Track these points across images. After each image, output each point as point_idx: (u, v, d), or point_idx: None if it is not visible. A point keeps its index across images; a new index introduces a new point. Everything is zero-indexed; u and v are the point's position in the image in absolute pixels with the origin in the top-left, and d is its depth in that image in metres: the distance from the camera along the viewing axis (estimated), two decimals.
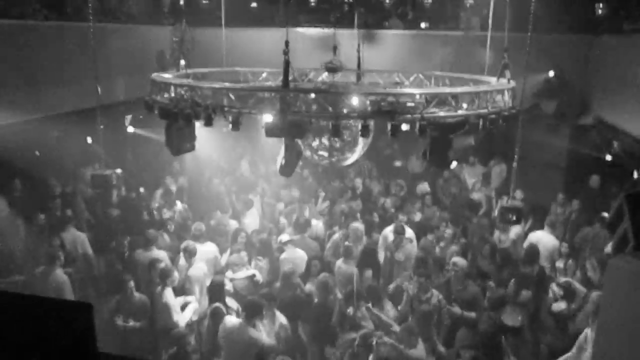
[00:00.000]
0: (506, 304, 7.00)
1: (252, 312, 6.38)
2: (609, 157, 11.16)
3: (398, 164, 13.36)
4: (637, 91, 9.51)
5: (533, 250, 8.10)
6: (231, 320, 6.54)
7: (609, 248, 7.66)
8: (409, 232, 8.85)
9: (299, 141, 7.36)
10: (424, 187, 11.56)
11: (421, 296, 7.11)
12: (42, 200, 9.31)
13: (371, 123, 6.74)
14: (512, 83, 7.33)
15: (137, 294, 7.10)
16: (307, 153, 7.89)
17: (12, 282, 7.21)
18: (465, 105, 6.83)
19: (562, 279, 7.58)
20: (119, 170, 8.34)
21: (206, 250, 8.19)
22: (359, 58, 9.19)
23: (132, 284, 7.07)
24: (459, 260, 7.65)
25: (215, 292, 7.31)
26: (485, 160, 12.43)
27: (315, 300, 7.29)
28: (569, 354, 6.49)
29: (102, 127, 11.24)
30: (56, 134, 10.46)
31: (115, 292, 7.24)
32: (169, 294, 6.97)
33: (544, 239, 8.77)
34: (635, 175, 9.30)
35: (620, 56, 10.79)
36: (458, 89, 7.09)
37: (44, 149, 10.20)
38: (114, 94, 11.37)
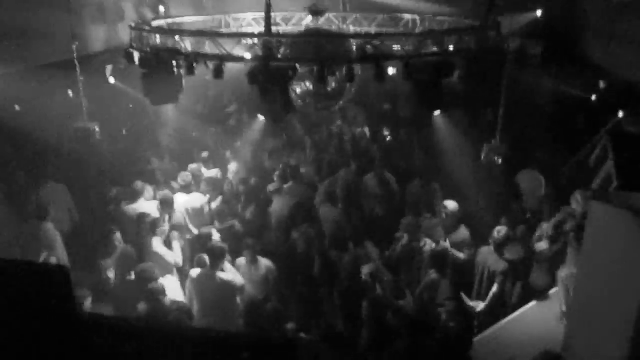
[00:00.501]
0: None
1: (214, 256, 6.32)
2: (594, 97, 11.15)
3: (387, 106, 13.20)
4: (622, 31, 9.42)
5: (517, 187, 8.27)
6: (195, 271, 6.50)
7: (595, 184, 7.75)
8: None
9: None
10: None
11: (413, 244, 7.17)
12: (23, 156, 9.16)
13: (357, 68, 6.65)
14: (498, 21, 7.20)
15: (123, 246, 7.06)
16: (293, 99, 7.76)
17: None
18: (452, 47, 6.74)
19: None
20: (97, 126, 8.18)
21: (192, 200, 8.16)
22: (343, 2, 8.99)
23: (118, 235, 7.02)
24: (450, 204, 7.71)
25: (203, 244, 7.28)
26: (473, 105, 12.33)
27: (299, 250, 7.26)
28: (553, 291, 6.68)
29: (82, 79, 11.06)
30: (35, 87, 10.19)
31: (102, 245, 7.19)
32: (158, 244, 6.96)
33: (527, 176, 8.91)
34: (620, 114, 9.30)
35: None
36: (441, 29, 6.97)
37: (23, 103, 9.98)
38: (93, 44, 11.05)
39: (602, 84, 10.89)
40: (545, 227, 7.31)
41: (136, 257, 6.84)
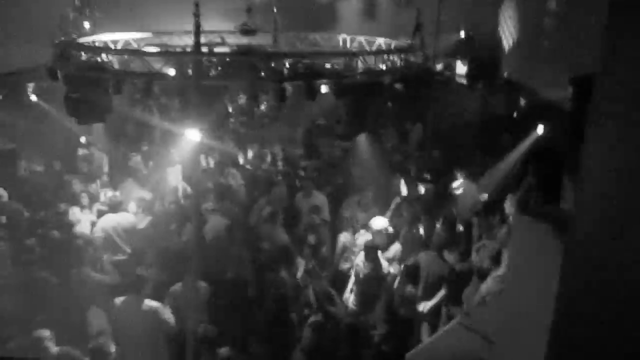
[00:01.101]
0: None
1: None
2: (515, 115, 11.71)
3: (321, 122, 13.29)
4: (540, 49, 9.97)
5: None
6: (119, 298, 6.08)
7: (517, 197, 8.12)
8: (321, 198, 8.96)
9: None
10: None
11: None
12: None
13: (288, 86, 6.68)
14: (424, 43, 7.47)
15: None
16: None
17: None
18: (382, 67, 6.92)
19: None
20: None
21: (122, 219, 7.90)
22: (275, 20, 9.02)
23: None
24: (376, 222, 7.84)
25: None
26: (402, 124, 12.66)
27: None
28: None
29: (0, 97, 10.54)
30: None
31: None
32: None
33: (466, 188, 9.24)
34: (540, 130, 9.81)
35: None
36: (370, 49, 7.15)
37: None
38: (11, 61, 10.53)
39: (522, 102, 11.46)
40: (488, 244, 7.52)
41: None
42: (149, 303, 5.93)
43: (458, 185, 9.34)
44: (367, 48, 8.41)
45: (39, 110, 10.91)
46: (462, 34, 12.34)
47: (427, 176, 7.73)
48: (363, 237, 7.85)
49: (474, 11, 12.14)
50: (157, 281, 6.65)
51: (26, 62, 10.77)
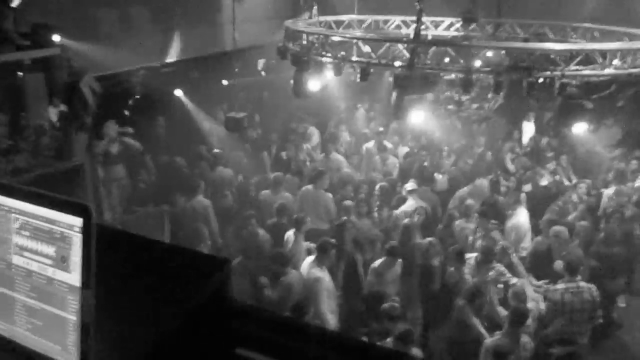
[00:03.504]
0: None
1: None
2: None
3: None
4: None
5: None
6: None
7: None
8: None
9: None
10: None
11: None
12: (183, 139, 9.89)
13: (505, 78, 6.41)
14: None
15: (260, 231, 7.16)
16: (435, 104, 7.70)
17: (159, 211, 7.80)
18: (615, 62, 6.24)
19: None
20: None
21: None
22: (498, 6, 8.68)
23: (254, 221, 7.28)
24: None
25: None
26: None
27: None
28: None
29: (236, 70, 11.85)
30: (196, 76, 11.08)
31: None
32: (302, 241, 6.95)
33: None
34: None
35: None
36: (606, 45, 6.47)
37: (184, 91, 10.87)
38: (249, 38, 11.77)
39: None
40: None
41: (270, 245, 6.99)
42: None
43: None
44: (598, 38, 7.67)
45: (268, 83, 12.06)
46: None
47: None
48: None
49: None
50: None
51: (257, 40, 11.98)
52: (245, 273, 6.71)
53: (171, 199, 7.78)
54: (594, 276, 6.08)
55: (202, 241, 7.27)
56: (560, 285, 5.50)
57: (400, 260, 6.45)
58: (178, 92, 10.55)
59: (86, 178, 6.74)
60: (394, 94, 6.60)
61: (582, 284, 5.47)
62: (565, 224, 7.07)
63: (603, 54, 6.03)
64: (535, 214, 7.73)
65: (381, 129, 10.42)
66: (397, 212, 7.91)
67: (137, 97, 9.56)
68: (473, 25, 8.13)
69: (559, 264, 6.02)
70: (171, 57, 10.52)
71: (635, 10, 8.76)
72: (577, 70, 5.97)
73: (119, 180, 8.23)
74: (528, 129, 12.00)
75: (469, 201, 7.92)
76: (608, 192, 8.13)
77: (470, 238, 7.16)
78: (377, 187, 8.57)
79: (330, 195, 8.07)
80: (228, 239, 7.77)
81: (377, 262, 6.37)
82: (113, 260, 1.19)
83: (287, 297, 5.83)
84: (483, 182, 8.67)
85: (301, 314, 5.34)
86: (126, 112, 9.52)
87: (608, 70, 5.98)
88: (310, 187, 8.07)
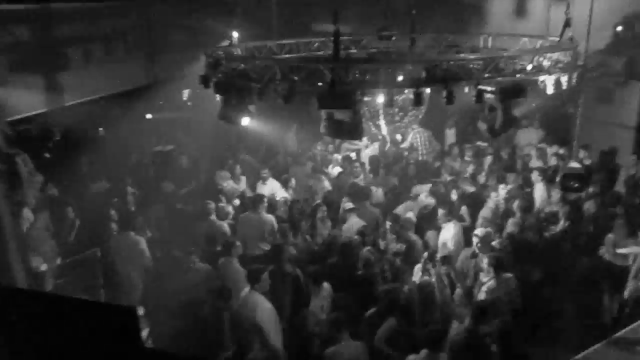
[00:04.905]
0: None
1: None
2: None
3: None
4: None
5: None
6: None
7: None
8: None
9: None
10: None
11: None
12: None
13: (426, 91, 6.59)
14: (575, 41, 6.97)
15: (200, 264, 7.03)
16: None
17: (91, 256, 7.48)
18: (528, 67, 6.56)
19: None
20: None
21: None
22: (412, 21, 8.94)
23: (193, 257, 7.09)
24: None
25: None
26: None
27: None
28: None
29: (161, 102, 11.63)
30: (117, 112, 10.80)
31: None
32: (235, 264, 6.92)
33: None
34: None
35: None
36: (515, 51, 6.82)
37: (107, 127, 10.58)
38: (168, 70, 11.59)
39: None
40: None
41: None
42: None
43: None
44: (509, 47, 8.06)
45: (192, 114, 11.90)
46: (619, 27, 11.31)
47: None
48: None
49: (630, 4, 11.07)
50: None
51: (179, 71, 11.83)
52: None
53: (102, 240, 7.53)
54: None
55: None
56: None
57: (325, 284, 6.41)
58: (100, 130, 10.23)
59: (5, 228, 6.38)
60: (323, 115, 6.66)
61: None
62: None
63: (512, 58, 6.34)
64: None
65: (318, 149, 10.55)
66: (338, 231, 7.93)
67: (57, 138, 9.19)
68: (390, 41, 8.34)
69: None
70: (90, 95, 10.19)
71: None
72: (490, 77, 6.24)
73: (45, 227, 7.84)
74: (449, 136, 12.47)
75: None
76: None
77: None
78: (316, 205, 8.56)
79: (272, 217, 8.08)
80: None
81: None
82: (18, 320, 1.10)
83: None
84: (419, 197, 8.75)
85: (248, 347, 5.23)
86: (46, 155, 9.14)
87: (519, 75, 6.29)
88: (249, 212, 8.06)
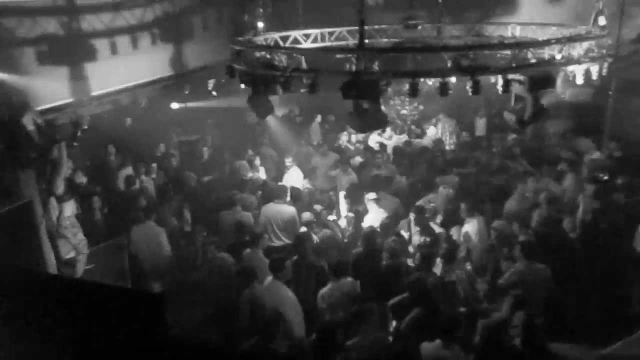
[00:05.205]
0: None
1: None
2: None
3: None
4: None
5: None
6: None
7: None
8: None
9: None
10: None
11: None
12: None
13: (451, 80, 6.51)
14: (606, 30, 6.81)
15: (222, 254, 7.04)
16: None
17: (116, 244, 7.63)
18: (557, 57, 6.44)
19: None
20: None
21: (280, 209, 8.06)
22: (439, 10, 8.84)
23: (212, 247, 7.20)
24: None
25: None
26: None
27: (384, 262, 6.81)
28: None
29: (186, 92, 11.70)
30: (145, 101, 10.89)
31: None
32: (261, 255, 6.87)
33: None
34: None
35: None
36: (544, 39, 6.69)
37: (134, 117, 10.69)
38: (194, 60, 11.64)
39: None
40: None
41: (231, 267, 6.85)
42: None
43: None
44: (538, 37, 7.90)
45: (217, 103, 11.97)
46: None
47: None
48: None
49: None
50: None
51: (206, 61, 11.89)
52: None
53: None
54: None
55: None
56: None
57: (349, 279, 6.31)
58: (128, 120, 10.35)
59: (36, 216, 6.53)
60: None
61: None
62: None
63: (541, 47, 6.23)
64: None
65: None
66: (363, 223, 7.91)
67: (85, 127, 9.32)
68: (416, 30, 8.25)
69: None
70: (120, 84, 10.30)
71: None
72: (518, 67, 6.14)
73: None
74: (480, 126, 12.31)
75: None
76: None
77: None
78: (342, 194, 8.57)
79: (293, 208, 8.05)
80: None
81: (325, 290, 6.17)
82: (44, 304, 1.12)
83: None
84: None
85: (270, 336, 5.25)
86: (74, 143, 9.28)
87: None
88: (273, 203, 8.05)
